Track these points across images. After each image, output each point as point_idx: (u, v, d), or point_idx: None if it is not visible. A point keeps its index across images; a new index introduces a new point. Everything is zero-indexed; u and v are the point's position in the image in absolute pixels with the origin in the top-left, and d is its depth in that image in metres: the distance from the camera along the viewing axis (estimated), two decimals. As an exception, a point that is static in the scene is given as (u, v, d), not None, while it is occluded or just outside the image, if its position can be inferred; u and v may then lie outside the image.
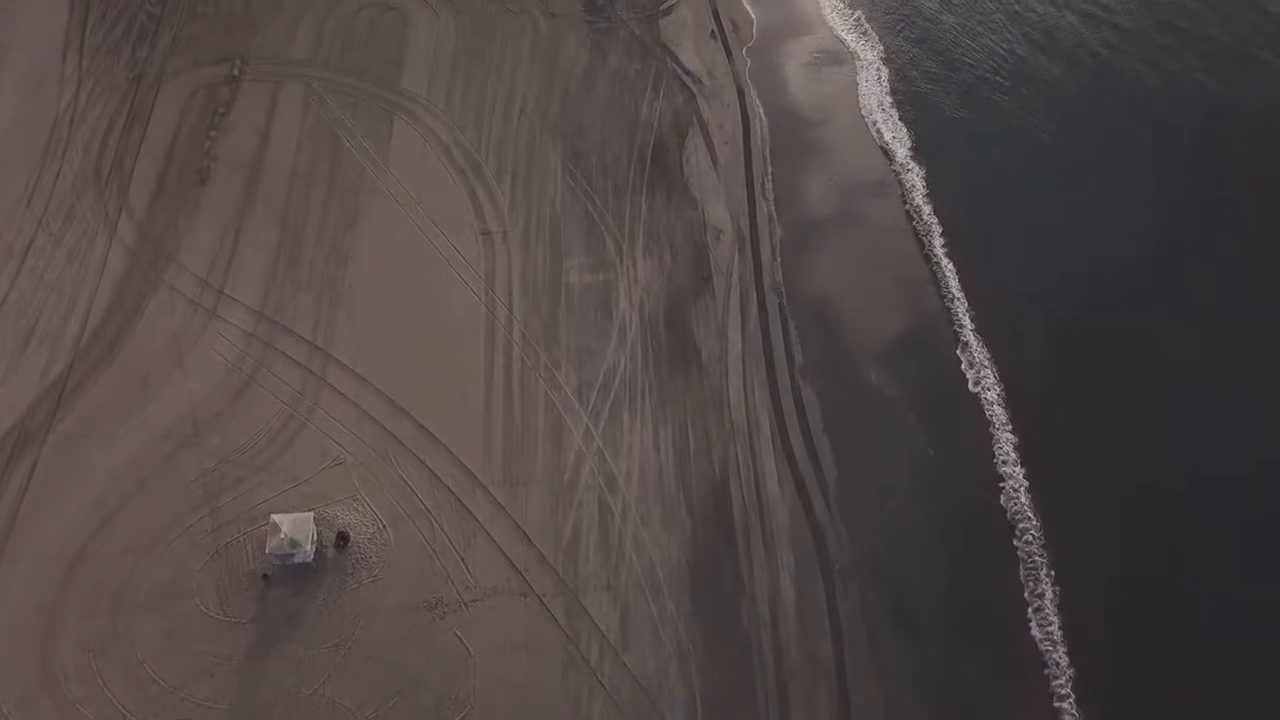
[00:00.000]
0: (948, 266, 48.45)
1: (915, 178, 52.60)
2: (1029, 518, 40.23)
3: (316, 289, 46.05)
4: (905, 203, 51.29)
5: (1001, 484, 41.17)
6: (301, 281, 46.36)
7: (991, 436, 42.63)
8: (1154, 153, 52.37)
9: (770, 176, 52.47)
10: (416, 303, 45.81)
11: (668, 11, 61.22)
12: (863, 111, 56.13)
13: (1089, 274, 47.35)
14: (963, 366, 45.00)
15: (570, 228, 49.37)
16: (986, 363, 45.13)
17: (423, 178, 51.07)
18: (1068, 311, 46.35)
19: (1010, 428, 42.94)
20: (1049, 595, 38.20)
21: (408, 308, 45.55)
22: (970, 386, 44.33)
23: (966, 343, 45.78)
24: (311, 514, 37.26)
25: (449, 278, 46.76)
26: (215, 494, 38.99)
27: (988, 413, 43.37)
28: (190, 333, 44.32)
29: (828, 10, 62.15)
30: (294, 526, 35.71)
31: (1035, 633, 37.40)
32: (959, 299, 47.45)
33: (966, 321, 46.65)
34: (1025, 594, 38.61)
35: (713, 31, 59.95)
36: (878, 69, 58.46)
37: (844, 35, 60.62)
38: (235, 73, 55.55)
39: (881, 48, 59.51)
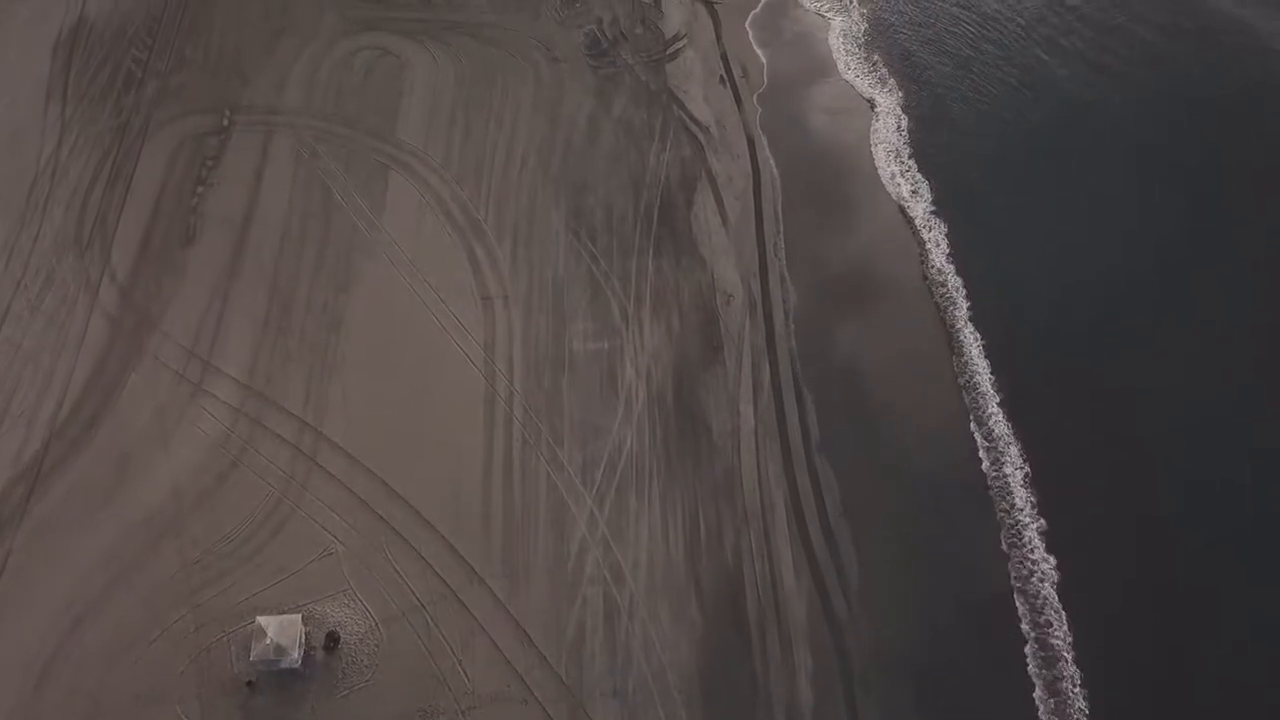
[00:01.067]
0: (970, 334, 46.99)
1: (936, 235, 51.13)
2: (1056, 610, 38.54)
3: (307, 359, 44.56)
4: (925, 263, 49.81)
5: (1029, 576, 39.48)
6: (291, 351, 44.86)
7: (1018, 523, 40.94)
8: (1197, 210, 50.74)
9: (782, 235, 50.98)
10: (412, 374, 44.29)
11: (674, 55, 59.89)
12: (879, 163, 54.71)
13: (1121, 344, 45.84)
14: (987, 445, 43.37)
15: (574, 291, 47.89)
16: (1011, 440, 43.63)
17: (419, 237, 49.62)
18: (1098, 385, 44.74)
19: (1036, 511, 41.23)
20: (1079, 704, 36.52)
21: (403, 380, 44.03)
22: (995, 466, 42.66)
23: (991, 419, 44.26)
24: (299, 615, 35.67)
25: (446, 347, 45.26)
26: (198, 588, 37.42)
27: (1014, 496, 41.68)
28: (174, 408, 42.79)
29: (841, 54, 60.76)
30: (280, 630, 34.09)
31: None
32: (982, 370, 45.89)
33: (991, 394, 45.07)
34: (1053, 703, 36.89)
35: (721, 77, 58.59)
36: (895, 116, 57.06)
37: (859, 80, 59.21)
38: (224, 122, 54.20)
39: (899, 93, 58.10)
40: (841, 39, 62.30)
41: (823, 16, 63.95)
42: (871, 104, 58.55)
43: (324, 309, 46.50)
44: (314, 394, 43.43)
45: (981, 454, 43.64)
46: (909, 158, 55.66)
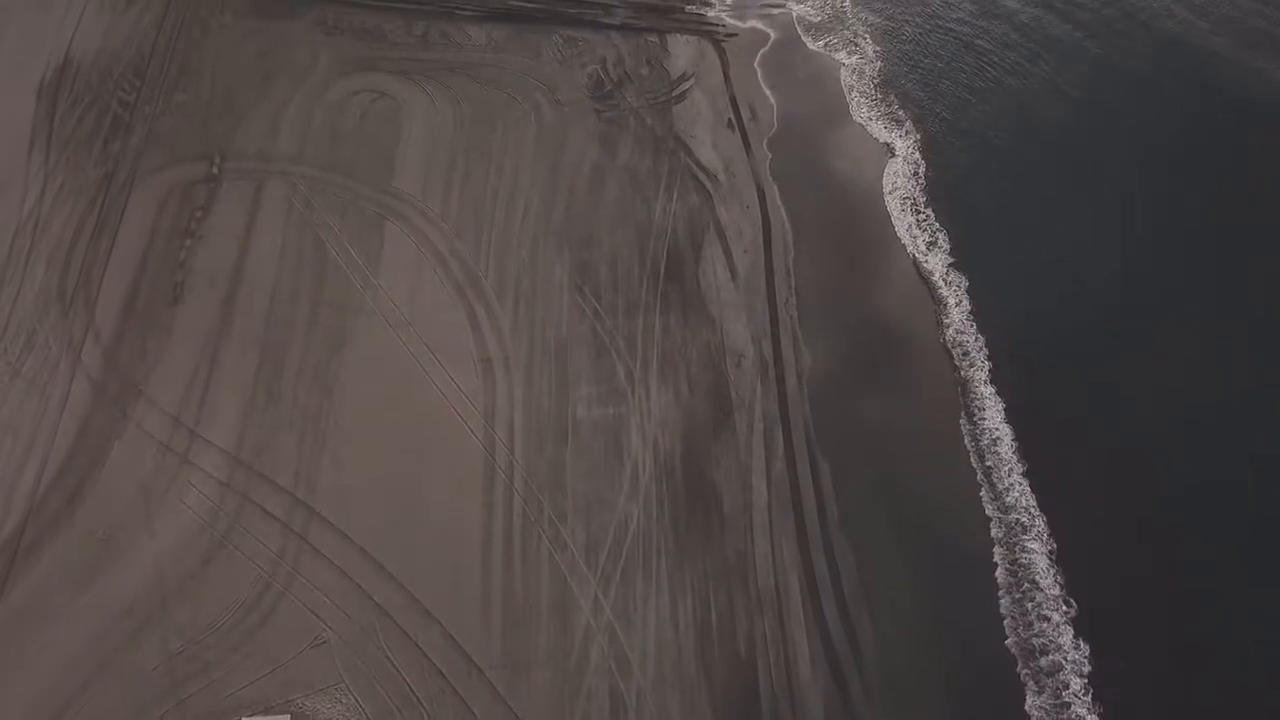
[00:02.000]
0: (991, 396, 45.57)
1: (955, 290, 49.83)
2: (1086, 703, 37.05)
3: (298, 428, 43.17)
4: (944, 321, 48.37)
5: (1060, 668, 38.00)
6: (282, 419, 43.47)
7: (1046, 605, 39.47)
8: (1235, 262, 49.25)
9: (794, 291, 49.60)
10: (408, 443, 42.92)
11: (681, 98, 58.62)
12: (894, 213, 53.38)
13: (1154, 407, 44.24)
14: (1010, 519, 41.89)
15: (577, 352, 46.52)
16: (1036, 513, 42.17)
17: (416, 294, 48.29)
18: (1127, 449, 43.23)
19: (1065, 591, 39.81)
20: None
21: (398, 449, 42.67)
22: (1020, 543, 41.19)
23: (1014, 490, 42.86)
24: (288, 716, 34.15)
25: (444, 414, 43.86)
26: (181, 682, 36.00)
27: (1041, 575, 40.25)
28: (159, 483, 41.43)
29: (855, 94, 59.43)
30: (268, 735, 32.60)
31: None
32: (1004, 436, 44.48)
33: (1014, 462, 43.62)
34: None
35: (730, 120, 57.30)
36: (911, 161, 55.74)
37: (873, 123, 57.91)
38: (214, 170, 52.92)
39: (915, 136, 56.78)
40: (855, 78, 61.04)
41: (834, 55, 62.55)
42: (886, 148, 57.28)
43: (316, 373, 45.12)
44: (305, 466, 42.01)
45: (1005, 529, 42.15)
46: (925, 205, 54.34)
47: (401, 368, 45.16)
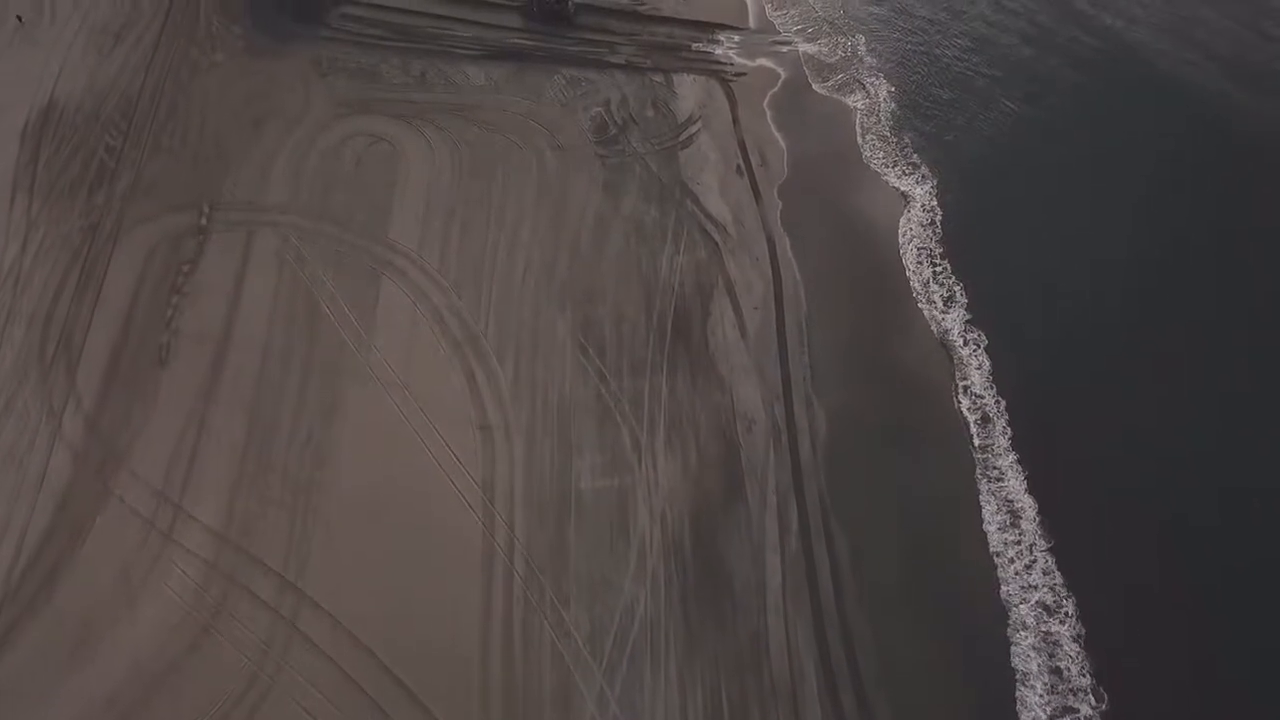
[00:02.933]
0: (1015, 472, 43.78)
1: (974, 352, 48.31)
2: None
3: (288, 502, 41.62)
4: (963, 386, 46.78)
5: (1091, 767, 36.36)
6: (271, 492, 41.93)
7: (1076, 694, 37.82)
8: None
9: (807, 350, 48.08)
10: (403, 519, 41.36)
11: (688, 143, 57.17)
12: (910, 266, 51.91)
13: (1188, 472, 42.67)
14: (1035, 599, 40.25)
15: (581, 417, 44.96)
16: (1065, 593, 40.57)
17: (413, 355, 46.76)
18: (1157, 519, 41.60)
19: (1095, 680, 38.16)
20: None
21: (393, 526, 41.12)
22: (1046, 624, 39.56)
23: (1036, 567, 41.22)
24: (275, 828, 32.47)
25: (441, 486, 42.30)
26: (163, 785, 34.21)
27: (1070, 660, 38.59)
28: (141, 563, 39.91)
29: (869, 137, 57.98)
30: None
31: None
32: (1028, 509, 42.85)
33: (1038, 538, 42.05)
34: None
35: (739, 166, 55.83)
36: (928, 209, 54.30)
37: (888, 168, 56.46)
38: (203, 221, 51.45)
39: (931, 181, 55.34)
40: (868, 120, 59.64)
41: (846, 96, 61.11)
42: (901, 195, 55.78)
43: (307, 441, 43.58)
44: (296, 544, 40.51)
45: (1030, 611, 40.52)
46: (941, 257, 52.87)
47: (397, 436, 43.61)
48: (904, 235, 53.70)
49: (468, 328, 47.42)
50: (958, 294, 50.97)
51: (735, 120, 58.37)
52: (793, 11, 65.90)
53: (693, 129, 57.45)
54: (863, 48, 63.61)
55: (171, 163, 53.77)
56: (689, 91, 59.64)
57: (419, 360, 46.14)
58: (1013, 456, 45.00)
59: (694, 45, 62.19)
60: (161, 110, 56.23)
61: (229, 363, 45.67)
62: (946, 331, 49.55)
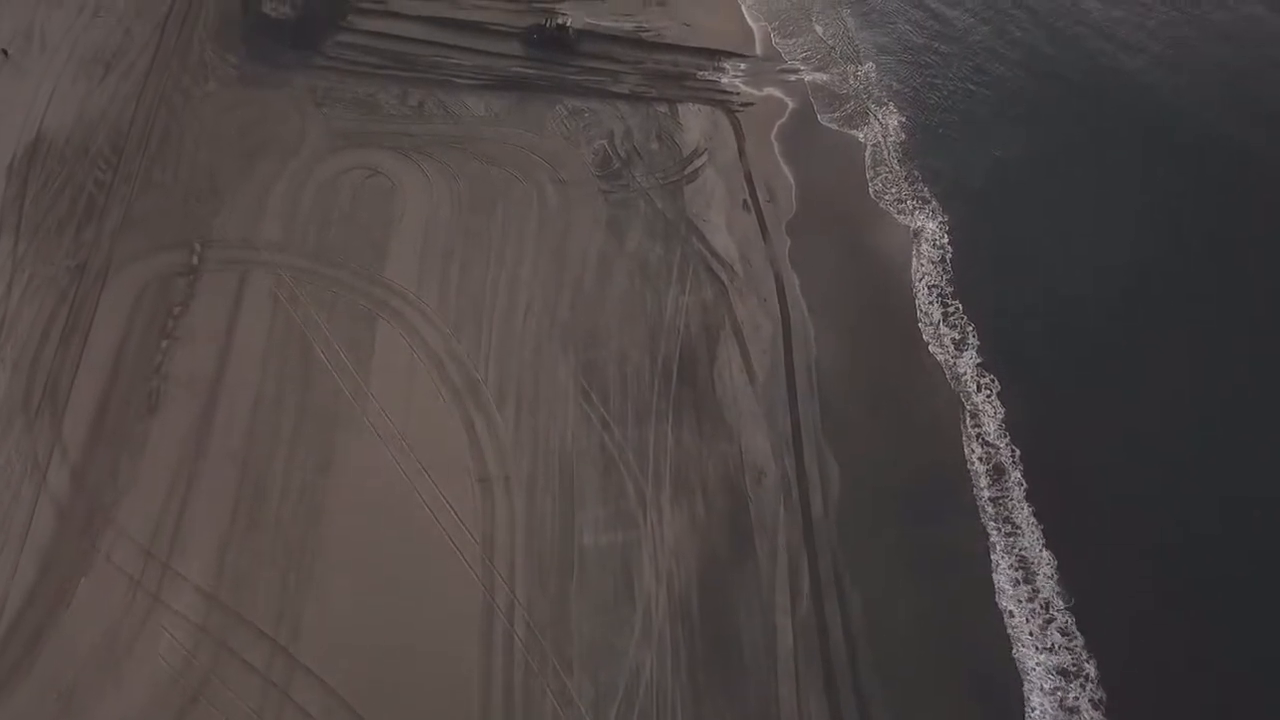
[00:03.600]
0: (1032, 531, 42.53)
1: (988, 398, 47.23)
2: None
3: (281, 561, 40.31)
4: (977, 434, 45.45)
5: None
6: (263, 549, 40.62)
7: (1098, 768, 36.46)
8: None
9: (817, 396, 46.79)
10: (400, 578, 40.04)
11: (693, 177, 55.85)
12: (923, 306, 50.54)
13: (1219, 536, 41.40)
14: (1055, 665, 38.94)
15: (584, 469, 43.62)
16: (1084, 655, 39.15)
17: (410, 402, 45.39)
18: (1183, 584, 40.31)
19: (1118, 750, 36.74)
20: None
21: (389, 586, 39.79)
22: (1066, 692, 38.23)
23: (1055, 628, 39.93)
24: None
25: (439, 543, 40.97)
26: None
27: (1091, 731, 37.25)
28: (128, 626, 38.59)
29: (879, 171, 56.73)
30: None
31: None
32: (1046, 566, 41.55)
33: (1057, 598, 40.86)
34: None
35: (746, 202, 54.55)
36: (939, 247, 53.04)
37: (899, 203, 55.18)
38: (194, 260, 50.10)
39: (944, 217, 54.08)
40: (878, 153, 58.39)
41: (856, 127, 59.82)
42: (912, 232, 54.40)
43: (301, 495, 42.24)
44: (288, 605, 39.17)
45: (1050, 675, 39.19)
46: (953, 297, 51.60)
47: (393, 489, 42.27)
48: (915, 273, 52.44)
49: (467, 373, 46.05)
50: (970, 336, 49.69)
51: (742, 153, 57.09)
52: (800, 39, 64.61)
53: (698, 162, 56.14)
54: (872, 77, 62.37)
55: (162, 198, 52.40)
56: (694, 123, 58.34)
57: (416, 408, 44.77)
58: (1028, 509, 43.76)
59: (699, 73, 60.93)
60: (153, 142, 54.89)
61: (220, 411, 44.29)
62: (959, 376, 48.28)
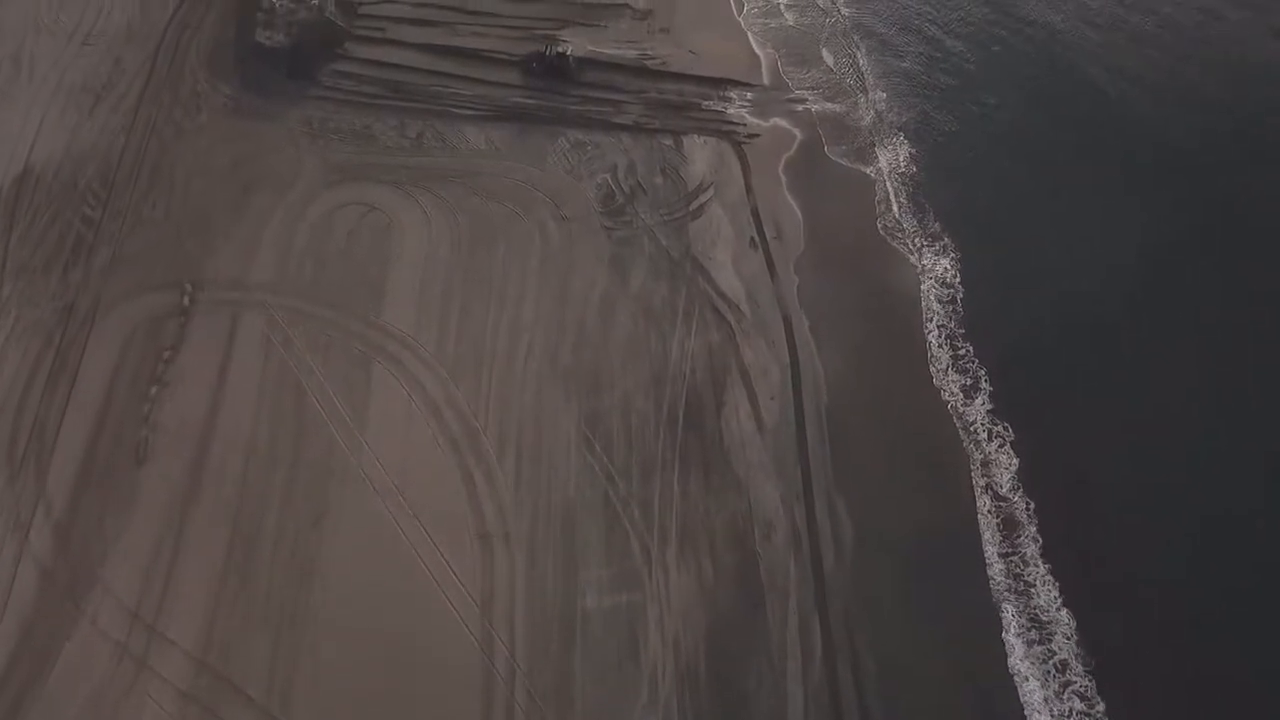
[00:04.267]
0: (1047, 589, 41.22)
1: (1000, 448, 46.00)
2: None
3: (273, 622, 39.01)
4: (990, 486, 44.14)
5: None
6: (254, 610, 39.31)
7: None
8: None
9: (828, 444, 45.55)
10: (396, 641, 38.75)
11: (699, 213, 54.51)
12: (934, 348, 49.26)
13: (1249, 590, 39.97)
14: (1079, 733, 37.54)
15: (587, 524, 42.34)
16: (1106, 723, 37.67)
17: (407, 454, 44.05)
18: (1210, 644, 38.95)
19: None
20: None
21: (385, 649, 38.53)
22: (1089, 763, 36.82)
23: (1072, 690, 38.53)
24: None
25: (437, 604, 39.68)
26: None
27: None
28: (112, 693, 37.29)
29: (890, 206, 55.54)
30: None
31: None
32: (1065, 631, 40.13)
33: (1076, 659, 39.32)
34: None
35: (752, 239, 53.27)
36: (951, 286, 51.77)
37: (909, 239, 53.91)
38: (185, 301, 48.69)
39: (956, 255, 53.06)
40: (889, 186, 57.27)
41: (866, 160, 58.53)
42: (922, 270, 53.09)
43: (293, 552, 40.90)
44: (280, 671, 37.97)
45: (1072, 744, 37.82)
46: (964, 339, 50.39)
47: (389, 546, 40.93)
48: (925, 314, 51.15)
49: (466, 422, 44.67)
50: (981, 381, 48.43)
51: (749, 188, 55.84)
52: (808, 68, 63.33)
53: (704, 197, 54.83)
54: (882, 106, 61.11)
55: (153, 235, 51.09)
56: (700, 155, 57.04)
57: (413, 460, 43.42)
58: (1044, 566, 42.42)
59: (704, 104, 59.65)
60: (143, 177, 53.54)
61: (210, 462, 42.93)
62: (970, 424, 47.09)
